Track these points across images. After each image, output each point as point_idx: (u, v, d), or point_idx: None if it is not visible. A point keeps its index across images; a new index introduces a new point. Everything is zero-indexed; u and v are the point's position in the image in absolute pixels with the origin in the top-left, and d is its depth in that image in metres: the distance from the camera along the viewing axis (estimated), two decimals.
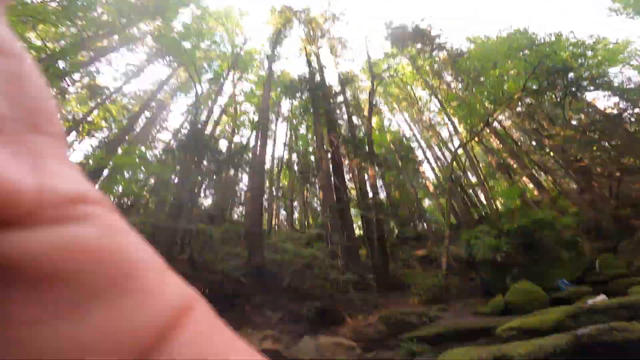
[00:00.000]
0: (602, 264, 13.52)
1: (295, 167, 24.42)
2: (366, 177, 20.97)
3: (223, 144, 22.14)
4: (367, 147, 19.98)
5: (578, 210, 17.61)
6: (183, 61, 19.15)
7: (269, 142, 24.62)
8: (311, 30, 23.09)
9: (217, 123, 22.44)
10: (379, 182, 24.06)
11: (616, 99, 19.53)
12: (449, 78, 25.75)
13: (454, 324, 10.69)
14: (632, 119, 18.59)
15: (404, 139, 29.04)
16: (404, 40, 21.84)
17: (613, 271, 12.85)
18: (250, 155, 20.86)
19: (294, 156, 26.00)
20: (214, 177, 19.29)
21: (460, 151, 22.74)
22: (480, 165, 26.13)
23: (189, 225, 13.01)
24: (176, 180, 15.97)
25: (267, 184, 22.91)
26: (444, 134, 30.01)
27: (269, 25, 23.25)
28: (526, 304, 11.62)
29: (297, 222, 25.46)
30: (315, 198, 24.36)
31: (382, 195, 24.26)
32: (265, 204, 20.97)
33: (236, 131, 23.28)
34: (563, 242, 15.11)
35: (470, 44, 23.98)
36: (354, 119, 24.08)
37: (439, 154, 29.27)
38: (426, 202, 28.96)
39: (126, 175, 17.66)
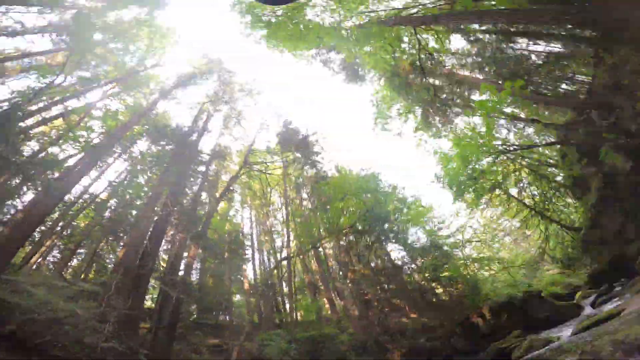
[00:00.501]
0: None
1: (107, 213, 20.53)
2: (185, 254, 19.63)
3: (30, 146, 17.36)
4: (201, 227, 19.38)
5: (353, 332, 20.46)
6: (78, 47, 16.23)
7: (92, 173, 20.94)
8: (222, 92, 23.56)
9: (45, 122, 17.81)
10: (197, 265, 22.63)
11: (404, 252, 25.67)
12: (304, 195, 28.72)
13: None
14: (409, 271, 24.70)
15: (240, 235, 29.44)
16: (290, 143, 24.36)
17: None
18: (56, 174, 17.02)
19: (113, 201, 22.21)
20: None
21: (284, 262, 24.75)
22: (295, 279, 28.20)
23: None
24: None
25: (56, 215, 18.12)
26: (278, 243, 31.43)
27: (188, 63, 22.85)
28: None
29: (70, 271, 19.36)
30: (112, 255, 19.98)
31: (194, 277, 22.53)
32: (37, 235, 16.40)
33: (61, 142, 18.74)
34: (338, 355, 16.84)
35: (336, 172, 27.86)
36: (203, 193, 23.66)
37: (266, 259, 30.27)
38: (237, 297, 28.02)
39: None
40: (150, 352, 12.74)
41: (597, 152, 15.63)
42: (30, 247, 16.16)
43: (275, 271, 24.83)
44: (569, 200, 22.25)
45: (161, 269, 18.42)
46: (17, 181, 15.73)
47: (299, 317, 24.03)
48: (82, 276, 18.45)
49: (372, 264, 25.46)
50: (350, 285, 24.88)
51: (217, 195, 23.90)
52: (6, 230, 12.41)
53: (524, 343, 12.02)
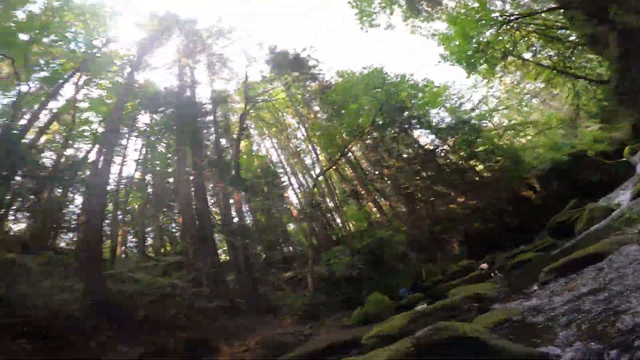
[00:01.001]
0: (427, 273, 17.15)
1: (149, 189, 21.34)
2: (231, 201, 20.32)
3: (49, 157, 17.33)
4: (233, 171, 19.55)
5: (406, 229, 21.88)
6: (10, 53, 14.60)
7: (117, 159, 20.84)
8: (191, 43, 21.26)
9: (42, 131, 17.34)
10: (245, 207, 23.77)
11: (432, 136, 25.44)
12: (316, 108, 27.95)
13: (327, 340, 11.10)
14: (442, 154, 24.79)
15: (270, 165, 29.81)
16: (283, 66, 22.73)
17: (434, 278, 16.39)
18: (87, 172, 17.18)
19: (149, 177, 22.71)
20: (31, 196, 15.04)
21: (320, 178, 25.05)
22: (337, 191, 29.12)
23: None
24: None
25: (111, 206, 19.12)
26: (308, 161, 32.06)
27: (142, 29, 20.10)
28: (380, 313, 13.36)
29: (151, 250, 22.24)
30: (173, 223, 21.84)
31: (248, 220, 23.96)
32: (108, 229, 17.53)
33: (70, 143, 18.47)
34: (398, 256, 18.39)
35: (339, 77, 26.99)
36: (222, 141, 23.26)
37: (302, 180, 30.84)
38: (291, 226, 30.11)
39: None
40: (244, 299, 14.63)
41: (605, 11, 14.35)
42: (109, 241, 17.39)
43: (315, 189, 25.45)
44: (590, 55, 20.19)
45: (218, 222, 19.83)
46: (60, 191, 16.09)
47: (351, 228, 25.71)
48: (162, 250, 20.66)
49: (404, 156, 25.24)
50: (389, 182, 25.58)
51: (235, 136, 23.50)
52: (81, 235, 13.26)
53: (584, 214, 12.34)
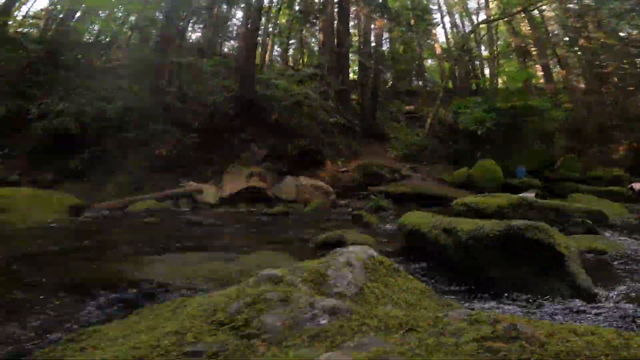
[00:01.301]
0: (563, 164, 14.62)
1: (296, 6, 20.90)
2: (372, 26, 19.25)
3: None
4: None
5: (572, 108, 17.51)
6: None
7: None
8: None
9: None
10: (385, 35, 21.86)
11: None
12: None
13: (419, 188, 11.85)
14: None
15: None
16: None
17: (568, 173, 14.06)
18: None
19: None
20: (204, 12, 16.51)
21: (482, 26, 21.50)
22: (498, 42, 24.11)
23: (178, 58, 12.05)
24: (161, 17, 13.50)
25: (263, 21, 20.00)
26: (471, 4, 26.30)
27: None
28: (483, 182, 12.90)
29: (291, 60, 24.40)
30: (314, 39, 22.57)
31: (385, 47, 22.33)
32: (259, 39, 19.18)
33: None
34: (542, 133, 15.65)
35: None
36: None
37: (458, 21, 26.44)
38: (428, 62, 27.49)
39: (101, 14, 16.24)
40: (360, 122, 15.64)
41: None
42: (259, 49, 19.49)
43: (473, 35, 21.15)
44: None
45: (355, 44, 19.24)
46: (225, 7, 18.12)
47: (499, 84, 21.65)
48: (300, 62, 22.62)
49: (622, 34, 18.41)
50: (580, 54, 19.72)
51: None
52: (241, 43, 14.79)
53: None
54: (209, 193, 9.39)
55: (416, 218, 4.59)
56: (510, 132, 15.01)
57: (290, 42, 23.96)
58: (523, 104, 15.44)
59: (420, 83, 24.22)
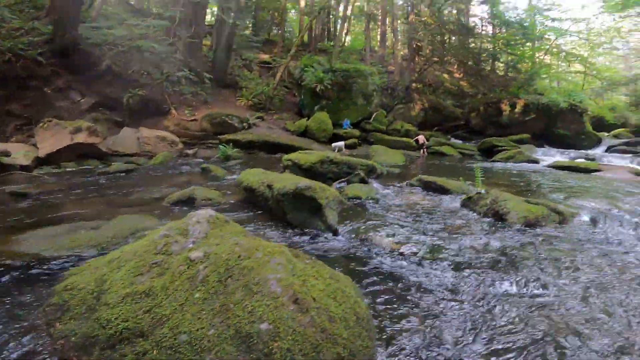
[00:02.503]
0: (376, 117, 18.81)
1: None
2: None
3: None
4: None
5: (389, 70, 21.74)
6: None
7: None
8: None
9: None
10: None
11: (487, 16, 22.04)
12: None
13: (265, 136, 13.38)
14: (480, 36, 22.04)
15: None
16: None
17: (377, 126, 18.30)
18: None
19: None
20: None
21: None
22: (357, 3, 25.76)
23: None
24: None
25: None
26: None
27: None
28: (318, 132, 15.79)
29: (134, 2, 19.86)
30: None
31: None
32: None
33: None
34: (365, 92, 19.12)
35: None
36: None
37: None
38: (291, 13, 27.10)
39: None
40: (211, 71, 15.70)
41: None
42: None
43: None
44: None
45: None
46: None
47: (347, 42, 24.24)
48: (152, 9, 18.57)
49: (445, 13, 23.23)
50: (407, 27, 23.41)
51: None
52: None
53: (511, 152, 13.91)
54: (19, 153, 7.89)
55: (251, 175, 5.55)
56: (342, 90, 18.00)
57: None
58: (354, 67, 18.62)
59: (279, 31, 24.40)
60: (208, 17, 20.43)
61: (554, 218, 4.19)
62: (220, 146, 11.18)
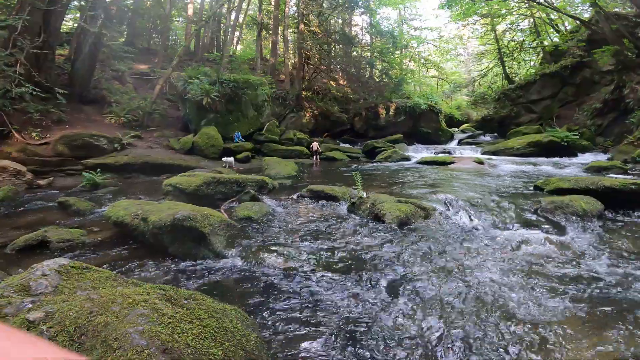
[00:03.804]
0: (268, 128, 18.85)
1: None
2: None
3: None
4: None
5: (280, 79, 22.21)
6: None
7: None
8: None
9: None
10: None
11: (367, 26, 24.39)
12: None
13: (145, 157, 11.96)
14: (359, 44, 24.32)
15: None
16: None
17: (270, 136, 18.33)
18: None
19: None
20: None
21: None
22: (249, 12, 25.89)
23: None
24: None
25: None
26: None
27: None
28: (207, 148, 14.84)
29: None
30: None
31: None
32: None
33: None
34: (255, 103, 18.98)
35: None
36: None
37: None
38: (177, 21, 25.08)
39: None
40: (68, 85, 13.26)
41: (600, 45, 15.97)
42: None
43: (227, 2, 21.65)
44: (533, 59, 22.74)
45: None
46: None
47: (238, 50, 23.81)
48: None
49: (332, 21, 25.05)
50: (297, 36, 24.28)
51: None
52: None
53: (388, 152, 15.83)
54: None
55: (121, 209, 4.95)
56: (231, 102, 17.40)
57: None
58: (242, 78, 18.20)
59: (161, 42, 22.41)
60: (69, 24, 17.24)
61: (420, 214, 4.83)
62: (84, 173, 9.51)
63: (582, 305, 2.70)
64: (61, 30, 14.69)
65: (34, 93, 10.73)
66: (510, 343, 2.26)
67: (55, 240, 4.45)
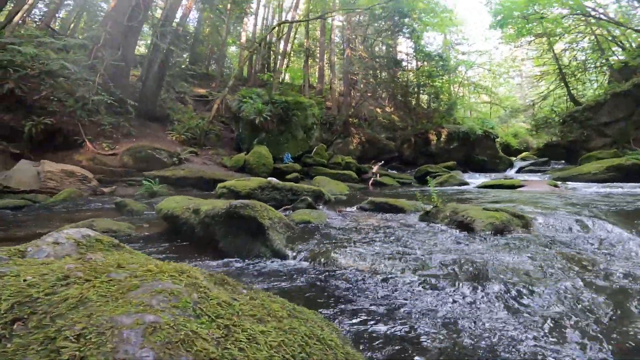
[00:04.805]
0: (317, 151, 18.91)
1: None
2: (184, 3, 17.89)
3: None
4: None
5: (328, 108, 22.51)
6: None
7: None
8: None
9: None
10: (194, 14, 20.44)
11: (412, 50, 24.75)
12: None
13: (199, 172, 12.32)
14: (406, 69, 24.61)
15: None
16: None
17: (319, 159, 18.29)
18: None
19: None
20: None
21: (286, 24, 23.24)
22: (295, 41, 27.23)
23: None
24: None
25: None
26: (287, 3, 27.82)
27: None
28: (258, 166, 15.09)
29: (58, 25, 18.37)
30: (104, 3, 17.80)
31: (191, 25, 20.92)
32: None
33: None
34: (305, 125, 19.35)
35: None
36: None
37: (270, 17, 27.78)
38: (232, 49, 27.42)
39: None
40: (139, 102, 14.41)
41: None
42: (12, 4, 13.55)
43: (276, 29, 23.21)
44: (599, 79, 20.93)
45: (155, 20, 17.03)
46: None
47: (287, 79, 24.90)
48: (71, 26, 17.12)
49: (376, 49, 25.25)
50: (343, 62, 24.92)
51: None
52: None
53: (444, 176, 14.87)
54: None
55: (174, 202, 4.75)
56: (282, 122, 17.86)
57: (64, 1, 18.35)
58: (293, 99, 18.72)
59: (215, 67, 23.94)
60: (142, 49, 19.26)
61: (517, 222, 4.05)
62: (144, 181, 9.91)
63: None
64: (135, 53, 16.20)
65: (110, 102, 11.57)
66: None
67: (100, 230, 4.10)
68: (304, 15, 25.20)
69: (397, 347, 1.85)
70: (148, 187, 9.55)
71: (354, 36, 24.01)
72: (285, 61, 25.32)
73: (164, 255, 3.55)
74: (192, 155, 14.03)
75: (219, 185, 7.09)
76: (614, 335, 1.90)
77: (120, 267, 1.03)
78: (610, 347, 1.79)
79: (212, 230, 3.71)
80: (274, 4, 27.53)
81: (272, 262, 3.35)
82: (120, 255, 1.31)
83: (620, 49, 20.64)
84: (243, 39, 24.20)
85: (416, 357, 1.77)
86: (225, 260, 3.38)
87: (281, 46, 24.97)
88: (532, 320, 2.08)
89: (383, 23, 22.93)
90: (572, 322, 2.04)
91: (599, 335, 1.90)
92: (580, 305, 2.24)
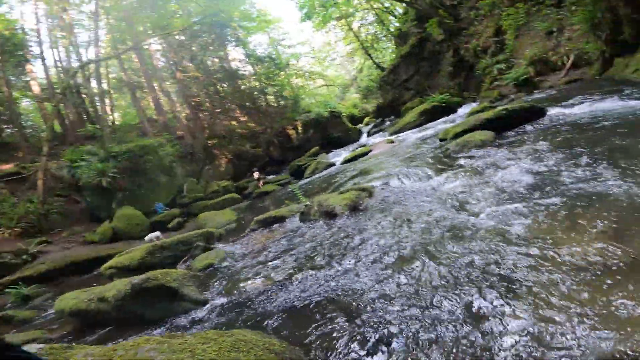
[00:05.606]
0: (188, 188, 17.83)
1: None
2: None
3: None
4: None
5: (179, 142, 20.95)
6: None
7: None
8: None
9: None
10: None
11: (244, 57, 25.35)
12: None
13: (64, 258, 10.52)
14: (245, 76, 25.08)
15: (21, 31, 20.36)
16: None
17: (194, 195, 17.37)
18: None
19: None
20: None
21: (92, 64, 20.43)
22: (110, 76, 24.33)
23: None
24: None
25: None
26: (82, 38, 25.51)
27: None
28: (131, 229, 13.40)
29: None
30: None
31: None
32: None
33: None
34: (163, 167, 17.59)
35: None
36: None
37: (64, 56, 23.22)
38: (25, 104, 22.00)
39: None
40: None
41: (427, 20, 18.79)
42: None
43: (81, 71, 19.91)
44: (390, 45, 26.48)
45: None
46: None
47: (116, 121, 22.11)
48: None
49: (209, 64, 24.79)
50: (178, 86, 23.71)
51: None
52: None
53: (313, 165, 16.50)
54: None
55: (70, 299, 4.70)
56: (135, 174, 15.91)
57: None
58: (137, 145, 16.69)
59: (17, 132, 18.78)
60: None
61: (364, 195, 5.29)
62: (7, 290, 8.40)
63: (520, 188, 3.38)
64: None
65: None
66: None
67: (22, 341, 4.10)
68: (109, 47, 22.77)
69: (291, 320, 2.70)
70: (16, 294, 8.16)
71: (179, 57, 23.13)
72: (108, 102, 22.45)
73: (110, 343, 3.54)
74: (43, 245, 11.69)
75: (104, 266, 6.78)
76: (423, 257, 3.05)
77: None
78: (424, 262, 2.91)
79: (129, 309, 3.90)
80: (64, 42, 23.37)
81: (196, 310, 3.78)
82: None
83: (395, 18, 26.24)
84: (36, 89, 20.16)
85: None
86: (159, 325, 3.67)
87: (94, 86, 21.98)
88: (371, 264, 3.09)
89: (207, 38, 22.89)
90: (395, 261, 3.13)
91: (415, 258, 3.02)
92: (404, 244, 3.39)
